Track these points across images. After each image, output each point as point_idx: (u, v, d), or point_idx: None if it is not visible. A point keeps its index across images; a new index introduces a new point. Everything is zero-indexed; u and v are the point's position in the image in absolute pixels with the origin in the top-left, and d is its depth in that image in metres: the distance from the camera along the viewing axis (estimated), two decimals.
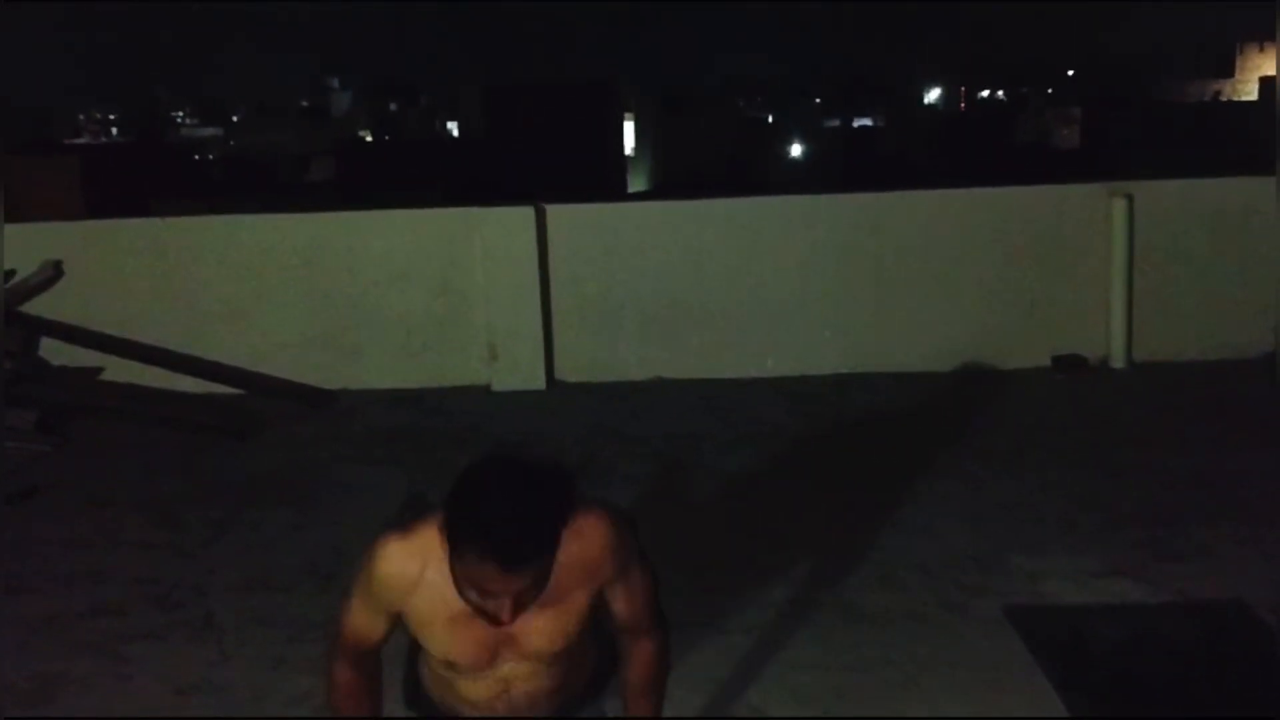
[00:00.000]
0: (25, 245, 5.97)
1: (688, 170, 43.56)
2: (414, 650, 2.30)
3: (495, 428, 5.34)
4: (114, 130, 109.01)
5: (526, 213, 5.89)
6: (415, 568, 2.05)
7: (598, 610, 2.18)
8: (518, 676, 2.16)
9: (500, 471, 1.93)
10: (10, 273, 5.86)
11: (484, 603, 1.94)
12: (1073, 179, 6.43)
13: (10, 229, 6.23)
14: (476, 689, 2.19)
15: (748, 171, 41.90)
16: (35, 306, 5.86)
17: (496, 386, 5.89)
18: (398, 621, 2.14)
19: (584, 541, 2.06)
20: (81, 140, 78.46)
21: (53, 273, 5.90)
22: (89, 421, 5.45)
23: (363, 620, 2.16)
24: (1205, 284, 5.88)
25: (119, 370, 5.89)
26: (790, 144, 62.22)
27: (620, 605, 2.19)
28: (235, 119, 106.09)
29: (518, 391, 5.83)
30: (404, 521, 2.12)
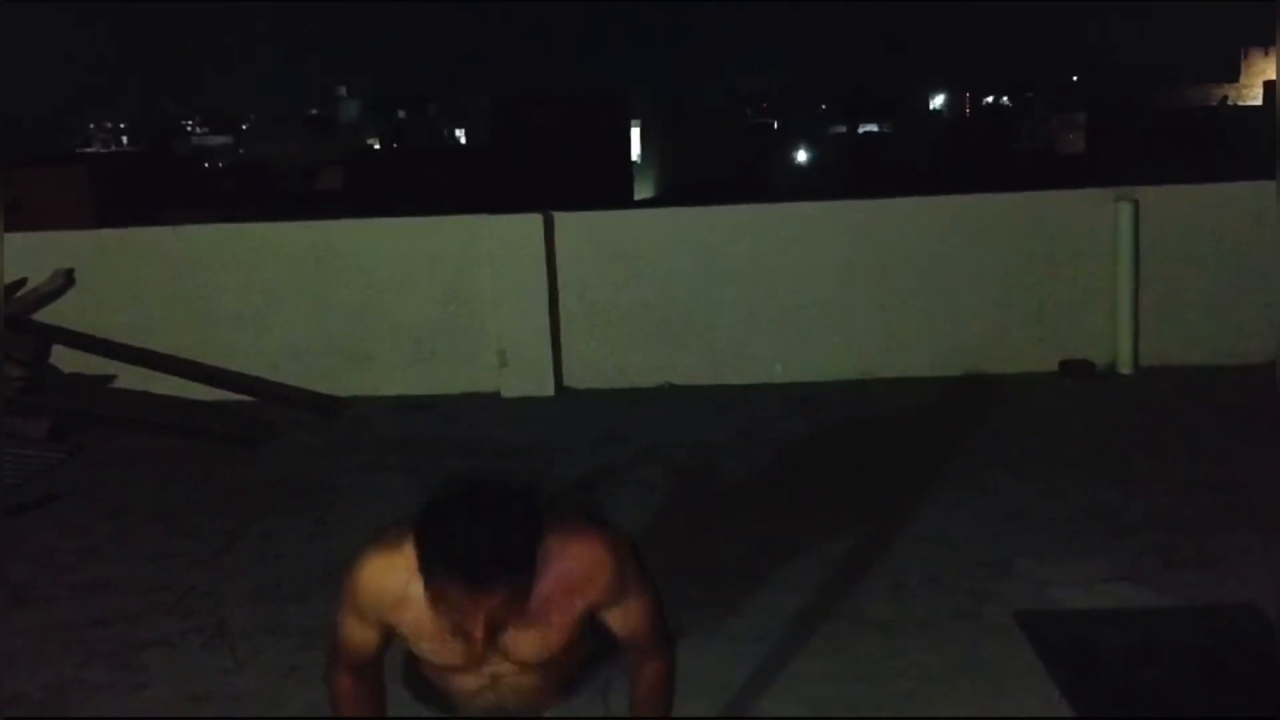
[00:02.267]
0: (36, 254, 6.02)
1: (694, 178, 43.61)
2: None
3: (505, 434, 5.36)
4: (124, 139, 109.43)
5: (534, 220, 5.92)
6: (399, 583, 2.10)
7: (593, 623, 2.23)
8: (506, 674, 2.24)
9: (466, 495, 1.98)
10: (21, 281, 5.89)
11: (459, 621, 2.01)
12: (1078, 185, 6.43)
13: (21, 238, 6.27)
14: (467, 682, 2.27)
15: (754, 178, 41.93)
16: (47, 315, 5.89)
17: (506, 393, 5.91)
18: (391, 632, 2.20)
19: (573, 561, 2.13)
20: (92, 150, 78.77)
21: (64, 281, 5.94)
22: (101, 430, 5.47)
23: (356, 634, 2.22)
24: (1211, 289, 5.88)
25: (130, 378, 5.92)
26: (796, 151, 62.25)
27: (618, 626, 2.24)
28: (245, 128, 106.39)
29: (527, 398, 5.85)
30: (383, 535, 2.18)
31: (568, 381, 6.01)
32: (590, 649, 2.33)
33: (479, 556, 1.93)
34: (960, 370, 5.89)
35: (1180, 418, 5.19)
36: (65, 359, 5.92)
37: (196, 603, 3.66)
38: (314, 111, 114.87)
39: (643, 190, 47.96)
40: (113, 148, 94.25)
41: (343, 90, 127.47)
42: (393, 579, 2.11)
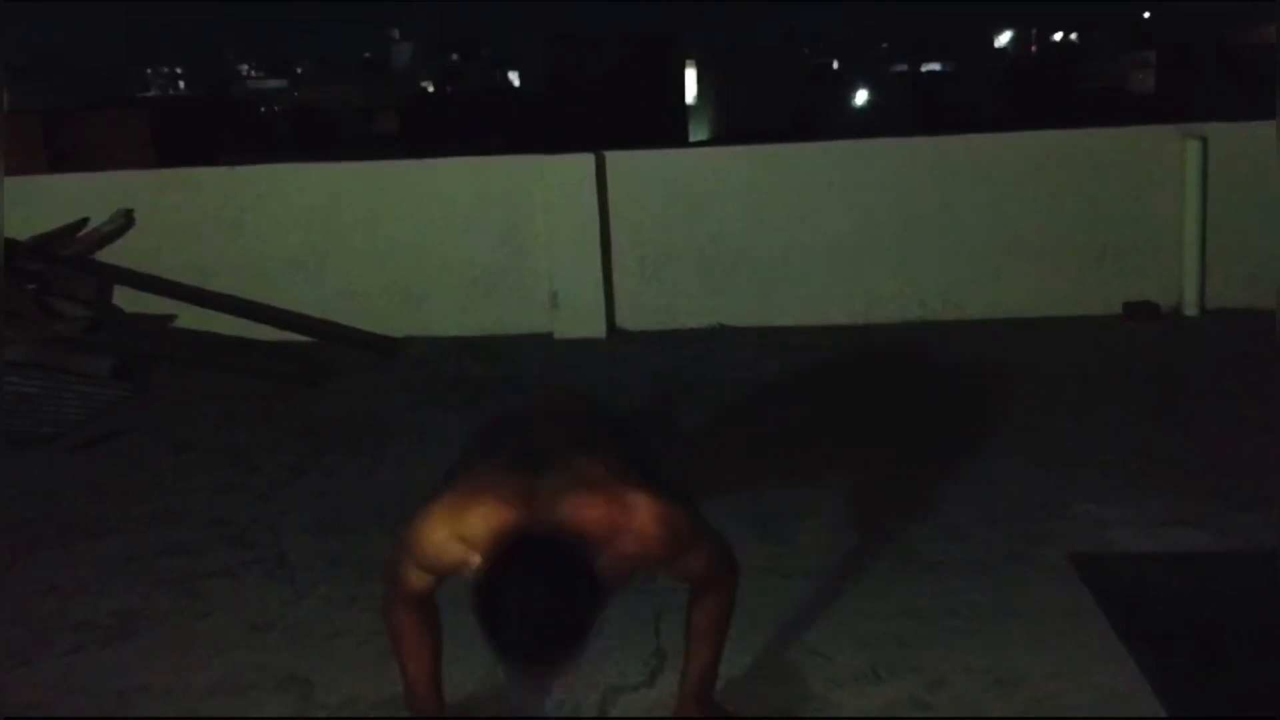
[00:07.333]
0: (97, 194, 6.12)
1: (751, 120, 43.03)
2: None
3: (557, 375, 5.39)
4: (181, 84, 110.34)
5: (586, 160, 5.89)
6: (459, 552, 2.15)
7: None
8: None
9: (522, 589, 1.98)
10: (83, 221, 6.00)
11: None
12: (1147, 124, 6.26)
13: (82, 178, 6.37)
14: None
15: (812, 120, 41.29)
16: (108, 255, 5.99)
17: (558, 334, 5.93)
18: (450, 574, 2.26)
19: (628, 536, 2.16)
20: (151, 94, 79.62)
21: (124, 221, 6.03)
22: (163, 369, 5.58)
23: (415, 579, 2.31)
24: None
25: (191, 318, 6.02)
26: (856, 91, 61.13)
27: (678, 575, 2.35)
28: (299, 72, 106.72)
29: (579, 339, 5.86)
30: (447, 492, 2.24)
31: (620, 323, 6.01)
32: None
33: (540, 657, 2.03)
34: (1021, 311, 5.80)
35: (1246, 361, 5.07)
36: (127, 299, 6.02)
37: (258, 535, 3.73)
38: (367, 55, 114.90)
39: (698, 133, 47.46)
40: (170, 92, 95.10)
41: (395, 34, 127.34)
42: (453, 549, 2.15)
